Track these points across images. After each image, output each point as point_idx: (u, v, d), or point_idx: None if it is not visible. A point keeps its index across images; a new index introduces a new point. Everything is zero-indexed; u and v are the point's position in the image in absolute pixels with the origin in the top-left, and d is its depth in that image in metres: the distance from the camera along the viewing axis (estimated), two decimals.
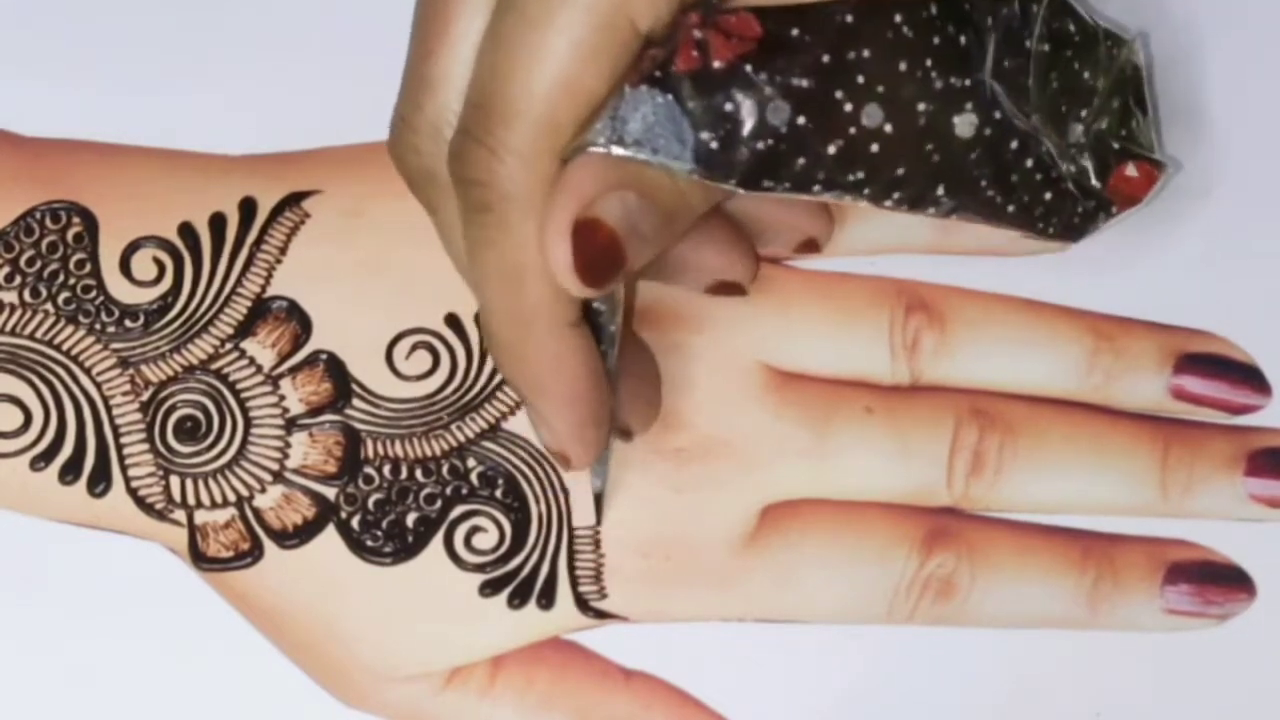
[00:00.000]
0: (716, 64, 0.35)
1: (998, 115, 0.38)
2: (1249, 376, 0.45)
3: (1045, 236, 0.40)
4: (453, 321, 0.44)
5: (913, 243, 0.46)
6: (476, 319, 0.44)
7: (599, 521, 0.43)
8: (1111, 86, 0.41)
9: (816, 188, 0.36)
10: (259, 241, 0.44)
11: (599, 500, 0.43)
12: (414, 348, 0.44)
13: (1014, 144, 0.38)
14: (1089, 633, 0.44)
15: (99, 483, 0.43)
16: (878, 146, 0.36)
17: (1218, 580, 0.44)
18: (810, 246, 0.43)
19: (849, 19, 0.36)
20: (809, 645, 0.44)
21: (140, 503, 0.43)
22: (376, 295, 0.44)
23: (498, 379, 0.44)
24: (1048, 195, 0.40)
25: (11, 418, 0.43)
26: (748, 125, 0.35)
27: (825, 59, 0.36)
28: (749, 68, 0.35)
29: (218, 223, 0.45)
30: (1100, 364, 0.45)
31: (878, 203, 0.37)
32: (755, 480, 0.44)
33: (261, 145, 0.46)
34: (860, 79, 0.36)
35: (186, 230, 0.44)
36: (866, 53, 0.36)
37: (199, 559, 0.43)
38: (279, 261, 0.44)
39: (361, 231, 0.45)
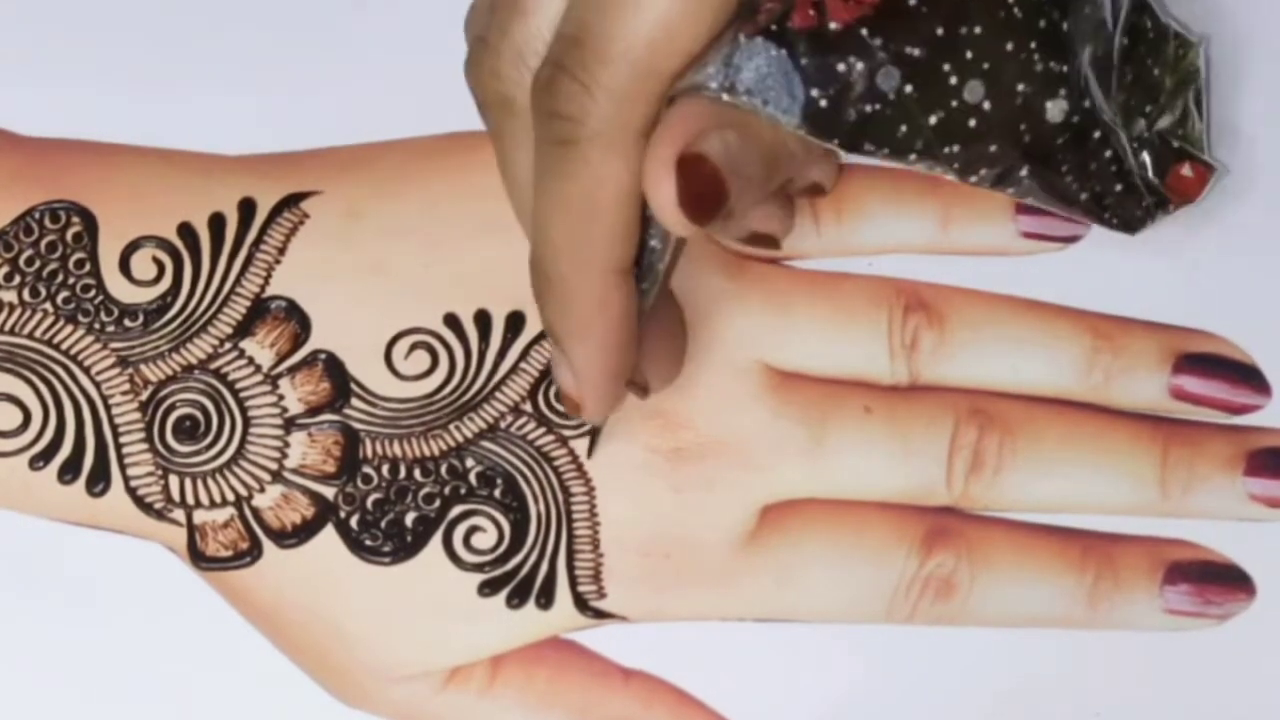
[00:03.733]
0: (833, 25, 0.35)
1: (1086, 104, 0.38)
2: (1248, 376, 0.45)
3: (1107, 226, 0.41)
4: (451, 321, 0.44)
5: (912, 243, 0.46)
6: (475, 318, 0.44)
7: (589, 455, 0.43)
8: (1176, 86, 0.42)
9: (912, 156, 0.37)
10: (258, 242, 0.44)
11: (594, 435, 0.43)
12: (413, 347, 0.44)
13: (1097, 134, 0.39)
14: (1089, 633, 0.44)
15: (98, 482, 0.43)
16: (975, 122, 0.37)
17: (1218, 580, 0.44)
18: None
19: None
20: (809, 645, 0.44)
21: (139, 502, 0.43)
22: (375, 295, 0.44)
23: (497, 379, 0.44)
24: (1118, 187, 0.40)
25: (10, 417, 0.43)
26: (858, 88, 0.36)
27: (939, 31, 0.36)
28: (864, 31, 0.36)
29: (217, 223, 0.45)
30: (1099, 363, 0.45)
31: (964, 177, 0.38)
32: (755, 480, 0.44)
33: (261, 145, 0.46)
34: (969, 54, 0.36)
35: (186, 230, 0.45)
36: (978, 29, 0.36)
37: (198, 558, 0.43)
38: (278, 262, 0.44)
39: (360, 232, 0.45)
